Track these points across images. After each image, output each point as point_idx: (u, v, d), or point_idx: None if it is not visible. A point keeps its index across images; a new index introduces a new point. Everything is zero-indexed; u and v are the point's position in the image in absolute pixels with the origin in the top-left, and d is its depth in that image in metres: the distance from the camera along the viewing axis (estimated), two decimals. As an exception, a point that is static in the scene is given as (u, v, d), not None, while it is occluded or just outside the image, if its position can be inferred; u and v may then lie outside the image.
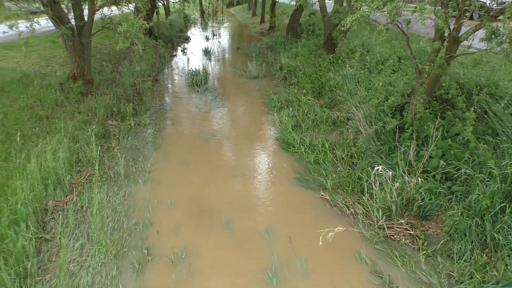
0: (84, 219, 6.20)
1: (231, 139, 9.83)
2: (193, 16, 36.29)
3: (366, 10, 5.99)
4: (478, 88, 7.09)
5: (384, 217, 6.08)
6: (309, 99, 11.60)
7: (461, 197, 6.02)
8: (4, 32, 9.32)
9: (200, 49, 22.61)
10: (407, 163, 6.78)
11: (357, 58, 10.88)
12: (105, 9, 12.31)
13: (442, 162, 6.45)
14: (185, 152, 9.02)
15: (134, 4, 12.18)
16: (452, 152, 6.62)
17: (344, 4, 13.90)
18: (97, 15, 12.08)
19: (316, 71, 13.26)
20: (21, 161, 6.97)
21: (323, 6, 15.14)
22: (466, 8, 6.14)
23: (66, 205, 6.53)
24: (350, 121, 9.38)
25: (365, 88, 10.54)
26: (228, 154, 9.04)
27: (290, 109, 11.01)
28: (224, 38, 29.08)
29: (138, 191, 7.24)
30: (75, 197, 6.76)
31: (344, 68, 12.48)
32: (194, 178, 7.78)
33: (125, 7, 12.60)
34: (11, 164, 6.90)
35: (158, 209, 6.66)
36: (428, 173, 6.56)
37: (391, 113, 8.13)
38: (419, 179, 6.20)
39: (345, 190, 7.08)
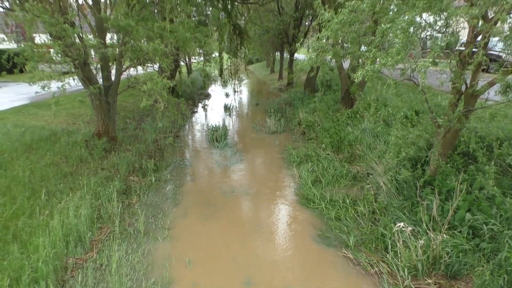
0: (103, 278, 6.15)
1: (251, 195, 9.82)
2: (213, 74, 37.95)
3: (377, 65, 6.13)
4: (499, 141, 7.00)
5: (410, 277, 5.84)
6: (328, 154, 11.62)
7: (490, 255, 5.77)
8: (37, 92, 9.83)
9: (220, 105, 23.40)
10: (431, 219, 6.60)
11: (371, 112, 10.97)
12: (131, 69, 12.93)
13: (468, 215, 6.26)
14: (204, 208, 9.03)
15: (159, 64, 12.77)
16: (478, 206, 6.44)
17: (360, 61, 14.29)
18: (123, 75, 12.67)
19: (335, 125, 13.39)
20: (44, 217, 7.09)
21: (339, 63, 15.53)
22: (480, 61, 6.22)
23: (85, 262, 6.52)
24: (370, 175, 9.29)
25: (384, 142, 10.52)
26: (247, 210, 8.99)
27: (309, 164, 11.03)
28: (244, 94, 30.29)
29: (157, 248, 7.20)
30: (94, 255, 6.77)
31: (362, 122, 12.58)
32: (213, 235, 7.71)
33: (149, 67, 13.22)
34: (34, 221, 7.02)
35: (176, 268, 6.57)
36: (454, 229, 6.35)
37: (411, 167, 8.04)
38: (445, 235, 6.00)
39: (368, 248, 6.88)
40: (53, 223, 6.88)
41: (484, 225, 6.08)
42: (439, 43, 5.76)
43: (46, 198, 7.94)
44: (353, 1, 6.64)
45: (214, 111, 22.03)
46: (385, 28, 5.77)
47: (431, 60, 5.36)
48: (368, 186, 8.93)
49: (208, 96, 28.76)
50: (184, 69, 32.63)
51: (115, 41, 12.00)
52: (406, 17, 5.65)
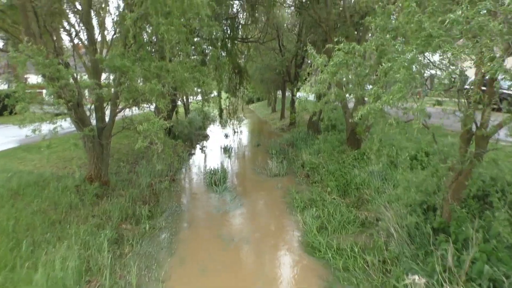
0: (89, 338, 5.94)
1: (252, 243, 9.65)
2: (212, 114, 38.52)
3: (378, 103, 6.18)
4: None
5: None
6: (334, 198, 11.54)
7: (514, 311, 5.57)
8: (27, 135, 9.87)
9: (219, 146, 23.63)
10: (447, 270, 6.43)
11: (373, 151, 10.96)
12: (126, 110, 13.03)
13: (487, 267, 6.09)
14: (201, 258, 8.85)
15: (155, 104, 12.94)
16: (497, 256, 6.29)
17: (366, 99, 14.52)
18: (118, 116, 12.77)
19: (340, 168, 13.39)
20: (27, 271, 6.94)
21: (344, 102, 15.72)
22: (490, 100, 6.29)
23: (71, 320, 6.32)
24: (380, 222, 9.17)
25: (393, 186, 10.47)
26: (248, 261, 8.81)
27: (314, 209, 10.93)
28: (244, 134, 30.79)
29: (150, 304, 6.99)
30: (81, 312, 6.56)
31: (369, 164, 12.58)
32: (211, 288, 7.52)
33: (146, 107, 13.34)
34: (16, 275, 6.87)
35: (170, 326, 6.36)
36: (473, 281, 6.16)
37: (423, 213, 7.95)
38: (463, 289, 5.82)
39: (379, 302, 6.68)
40: (37, 276, 6.72)
41: (505, 278, 5.92)
42: (442, 81, 5.86)
43: (31, 249, 7.81)
44: (348, 44, 6.88)
45: (212, 153, 22.18)
46: (386, 67, 5.89)
47: (434, 99, 5.43)
48: (378, 233, 8.79)
49: (206, 137, 29.15)
50: (181, 109, 33.46)
51: (110, 81, 12.24)
52: (409, 55, 5.78)
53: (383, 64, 6.08)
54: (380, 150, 12.20)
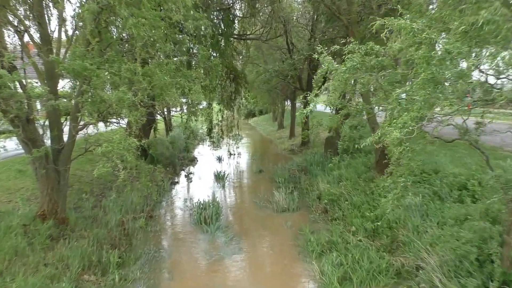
0: None
1: (253, 300, 9.50)
2: (201, 131, 38.50)
3: (406, 117, 6.15)
4: None
5: None
6: (360, 240, 11.41)
7: None
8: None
9: (211, 173, 23.56)
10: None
11: (396, 174, 10.86)
12: (90, 127, 12.81)
13: None
14: (187, 320, 8.69)
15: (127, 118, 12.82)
16: None
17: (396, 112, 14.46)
18: (80, 134, 12.51)
19: (368, 200, 13.28)
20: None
21: (372, 117, 15.51)
22: None
23: None
24: (420, 271, 9.03)
25: (437, 224, 10.35)
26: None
27: (335, 254, 10.78)
28: (243, 157, 30.93)
29: None
30: None
31: (406, 195, 12.43)
32: None
33: (115, 123, 13.17)
34: None
35: None
36: None
37: (476, 259, 7.82)
38: None
39: None
40: None
41: None
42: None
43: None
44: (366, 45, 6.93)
45: (202, 182, 22.15)
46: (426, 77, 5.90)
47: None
48: (419, 284, 8.66)
49: (193, 161, 29.23)
50: (162, 125, 33.39)
51: (70, 89, 12.15)
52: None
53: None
54: (422, 179, 12.18)
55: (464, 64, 6.20)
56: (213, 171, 23.53)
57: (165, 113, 32.23)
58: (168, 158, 24.85)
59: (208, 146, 35.97)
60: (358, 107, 10.27)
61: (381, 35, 7.22)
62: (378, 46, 7.58)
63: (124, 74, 10.26)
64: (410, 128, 6.03)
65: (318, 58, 8.77)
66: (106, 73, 10.38)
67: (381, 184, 13.84)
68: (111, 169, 9.66)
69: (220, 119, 29.91)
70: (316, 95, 9.05)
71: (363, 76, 7.97)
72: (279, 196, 16.78)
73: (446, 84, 6.24)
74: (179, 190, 20.37)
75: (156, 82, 10.80)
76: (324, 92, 11.07)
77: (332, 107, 14.63)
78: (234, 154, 31.30)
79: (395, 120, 6.41)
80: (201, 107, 22.94)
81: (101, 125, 13.09)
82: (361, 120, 14.88)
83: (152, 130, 25.17)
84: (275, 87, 36.84)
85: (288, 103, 44.15)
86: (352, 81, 9.37)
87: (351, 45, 7.59)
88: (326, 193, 15.84)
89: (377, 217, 12.09)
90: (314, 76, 9.98)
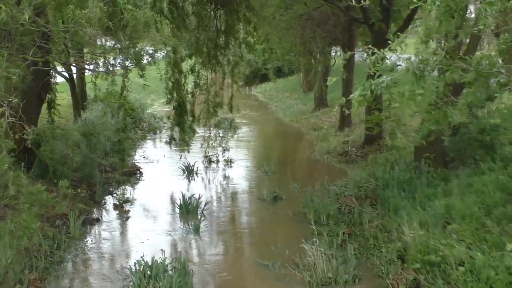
0: None
1: None
2: (151, 111, 27.69)
3: None
4: None
5: None
6: None
7: None
8: None
9: (168, 201, 15.07)
10: None
11: None
12: None
13: None
14: None
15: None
16: None
17: None
18: None
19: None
20: None
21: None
22: None
23: None
24: None
25: None
26: None
27: None
28: (239, 169, 19.22)
29: None
30: None
31: None
32: None
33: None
34: None
35: None
36: None
37: None
38: None
39: None
40: None
41: None
42: None
43: None
44: None
45: (150, 219, 13.89)
46: None
47: None
48: None
49: (133, 174, 17.55)
50: (65, 97, 21.22)
51: None
52: None
53: None
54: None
55: None
56: (174, 196, 15.11)
57: (74, 69, 19.75)
58: (79, 167, 14.96)
59: (167, 143, 20.30)
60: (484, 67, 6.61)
61: None
62: None
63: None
64: None
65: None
66: None
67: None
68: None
69: (192, 86, 18.65)
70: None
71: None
72: (316, 253, 10.31)
73: None
74: (101, 238, 12.78)
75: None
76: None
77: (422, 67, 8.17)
78: (219, 162, 19.66)
79: None
80: (157, 56, 13.36)
81: None
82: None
83: (45, 107, 15.52)
84: (309, 17, 21.54)
85: (337, 53, 27.81)
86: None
87: None
88: (419, 247, 10.01)
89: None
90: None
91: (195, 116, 18.68)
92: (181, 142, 18.26)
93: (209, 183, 17.78)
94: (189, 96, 18.57)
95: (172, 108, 17.64)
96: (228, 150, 20.13)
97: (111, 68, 12.28)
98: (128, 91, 13.86)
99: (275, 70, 40.73)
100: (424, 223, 10.81)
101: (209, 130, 19.55)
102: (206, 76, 18.48)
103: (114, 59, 12.16)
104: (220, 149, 20.13)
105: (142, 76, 12.54)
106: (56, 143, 14.31)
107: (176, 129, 18.18)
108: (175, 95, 16.85)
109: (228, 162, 19.61)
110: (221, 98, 19.10)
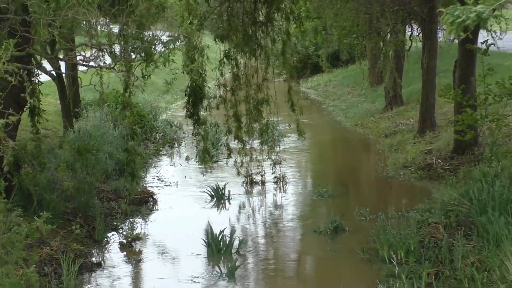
0: None
1: None
2: (165, 117, 22.99)
3: None
4: None
5: None
6: None
7: None
8: None
9: (191, 233, 11.90)
10: None
11: None
12: None
13: None
14: None
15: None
16: None
17: None
18: None
19: None
20: None
21: None
22: None
23: None
24: None
25: None
26: None
27: None
28: (289, 189, 15.28)
29: None
30: None
31: None
32: None
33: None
34: None
35: None
36: None
37: None
38: None
39: None
40: None
41: None
42: None
43: None
44: None
45: (166, 262, 11.14)
46: None
47: None
48: None
49: (145, 202, 13.91)
50: (51, 102, 18.28)
51: None
52: None
53: None
54: None
55: None
56: (200, 230, 11.99)
57: (63, 66, 15.78)
58: (73, 195, 12.29)
59: (189, 160, 17.81)
60: None
61: None
62: None
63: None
64: None
65: None
66: None
67: None
68: None
69: (223, 79, 14.06)
70: None
71: None
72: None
73: None
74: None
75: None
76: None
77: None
78: (264, 183, 15.00)
79: None
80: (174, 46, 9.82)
81: None
82: None
83: (26, 116, 11.73)
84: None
85: (413, 32, 23.02)
86: None
87: None
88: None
89: None
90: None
91: (241, 120, 14.51)
92: (205, 159, 14.29)
93: (246, 211, 14.35)
94: (227, 92, 14.43)
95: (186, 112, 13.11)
96: (280, 163, 15.34)
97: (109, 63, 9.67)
98: (131, 90, 10.62)
99: (330, 57, 32.47)
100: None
101: (248, 138, 15.41)
102: (242, 64, 14.39)
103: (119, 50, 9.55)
104: (264, 164, 15.53)
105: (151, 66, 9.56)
106: (41, 163, 11.91)
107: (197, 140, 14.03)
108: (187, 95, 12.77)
109: (280, 182, 15.13)
110: (265, 94, 14.59)
